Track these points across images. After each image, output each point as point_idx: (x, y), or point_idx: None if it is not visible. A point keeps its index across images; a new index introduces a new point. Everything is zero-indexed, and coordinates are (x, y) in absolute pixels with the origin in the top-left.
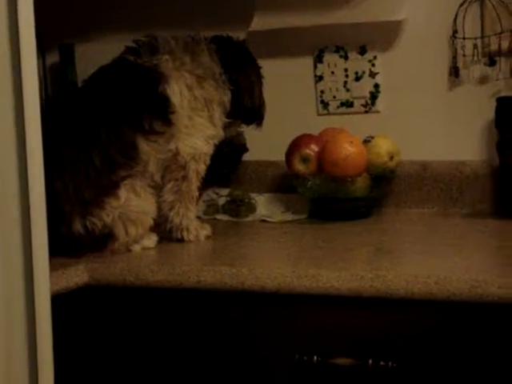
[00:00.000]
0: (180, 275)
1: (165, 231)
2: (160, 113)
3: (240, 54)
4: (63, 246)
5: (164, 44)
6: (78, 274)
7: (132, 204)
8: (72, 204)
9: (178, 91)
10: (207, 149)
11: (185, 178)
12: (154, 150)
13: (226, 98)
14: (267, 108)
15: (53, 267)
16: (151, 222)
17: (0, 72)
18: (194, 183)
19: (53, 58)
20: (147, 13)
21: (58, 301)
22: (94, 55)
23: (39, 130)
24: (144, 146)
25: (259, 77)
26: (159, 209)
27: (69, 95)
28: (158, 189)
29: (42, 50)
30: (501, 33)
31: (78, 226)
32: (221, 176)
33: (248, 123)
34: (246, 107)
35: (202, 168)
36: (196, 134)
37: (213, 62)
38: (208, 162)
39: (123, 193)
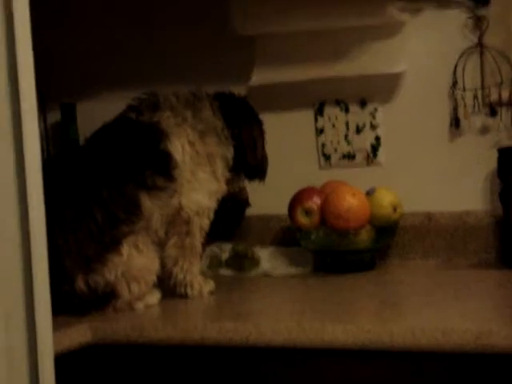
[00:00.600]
0: (184, 332)
1: (168, 287)
2: (162, 169)
3: (242, 109)
4: (65, 304)
5: (165, 101)
6: (81, 333)
7: (135, 261)
8: (74, 261)
9: (179, 147)
10: (211, 204)
11: (188, 233)
12: (157, 205)
13: (229, 153)
14: (269, 161)
15: (55, 326)
16: (154, 279)
17: (1, 131)
18: (198, 238)
19: (54, 117)
20: (148, 71)
21: (62, 360)
22: (96, 113)
23: (41, 187)
24: (147, 202)
25: (261, 132)
26: (163, 264)
27: (71, 153)
28: (161, 244)
29: (43, 108)
30: (501, 83)
31: (80, 284)
32: (224, 231)
33: (251, 178)
34: (249, 163)
35: (206, 223)
36: (199, 189)
37: (215, 118)
38: (212, 216)
39: (125, 249)
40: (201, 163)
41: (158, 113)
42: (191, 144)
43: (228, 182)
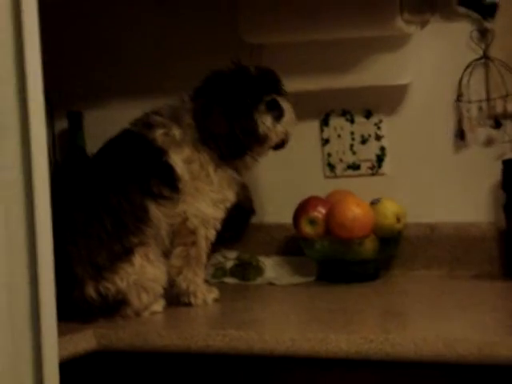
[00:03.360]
0: (188, 339)
1: (172, 295)
2: (167, 180)
3: (206, 94)
4: (74, 310)
5: (154, 119)
6: (86, 340)
7: (146, 271)
8: (85, 268)
9: (179, 162)
10: (216, 214)
11: (194, 243)
12: (164, 214)
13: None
14: (275, 171)
15: (61, 332)
16: (161, 290)
17: (9, 138)
18: (203, 248)
19: (61, 125)
20: (155, 79)
21: (66, 366)
22: (102, 122)
23: (48, 194)
24: (154, 209)
25: (222, 103)
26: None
27: (78, 162)
28: (167, 254)
29: (51, 116)
30: (506, 95)
31: (90, 290)
32: (229, 239)
33: (239, 148)
34: (223, 135)
35: (212, 233)
36: (202, 198)
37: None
38: (218, 226)
39: (137, 260)
40: (200, 175)
41: (152, 130)
42: (186, 161)
43: (239, 169)
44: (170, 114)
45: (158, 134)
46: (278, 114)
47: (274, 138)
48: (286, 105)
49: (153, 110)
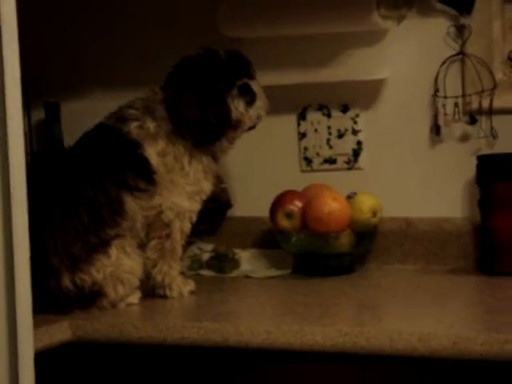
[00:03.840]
0: (163, 331)
1: (148, 287)
2: (142, 172)
3: (176, 81)
4: (50, 301)
5: (127, 113)
6: (61, 331)
7: (123, 263)
8: (61, 259)
9: (153, 155)
10: (191, 206)
11: (169, 236)
12: (139, 206)
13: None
14: (252, 164)
15: (36, 323)
16: (138, 282)
17: None
18: (179, 241)
19: (38, 116)
20: (133, 71)
21: (42, 357)
22: (80, 113)
23: (24, 185)
24: (130, 201)
25: (193, 89)
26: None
27: (55, 154)
28: (143, 247)
29: (27, 107)
30: (482, 91)
31: (66, 282)
32: (205, 232)
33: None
34: (194, 121)
35: (187, 226)
36: (177, 192)
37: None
38: (194, 219)
39: (114, 252)
40: (175, 168)
41: (126, 123)
42: (161, 154)
43: (215, 154)
44: (143, 107)
45: (133, 127)
46: (251, 99)
47: (248, 123)
48: (257, 88)
49: (126, 103)
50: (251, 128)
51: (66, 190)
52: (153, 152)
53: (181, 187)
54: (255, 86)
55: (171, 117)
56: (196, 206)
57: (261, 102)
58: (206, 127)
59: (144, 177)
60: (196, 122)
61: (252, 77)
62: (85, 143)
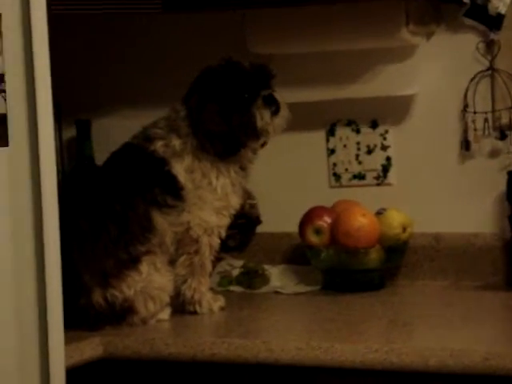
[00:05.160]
0: (194, 348)
1: (178, 304)
2: (170, 188)
3: (197, 93)
4: (81, 318)
5: (152, 132)
6: (92, 347)
7: (153, 280)
8: (92, 275)
9: (181, 171)
10: (219, 221)
11: (197, 251)
12: (168, 222)
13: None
14: (281, 180)
15: (68, 340)
16: (168, 298)
17: (19, 145)
18: (207, 257)
19: (70, 133)
20: (162, 88)
21: (73, 374)
22: (111, 130)
23: (56, 202)
24: (158, 217)
25: (216, 99)
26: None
27: (86, 172)
28: (173, 262)
29: (59, 124)
30: (511, 107)
31: (97, 298)
32: (235, 248)
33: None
34: (219, 131)
35: (216, 241)
36: (206, 207)
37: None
38: (223, 234)
39: (145, 268)
40: (203, 184)
41: (152, 142)
42: (188, 170)
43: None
44: (167, 125)
45: (158, 146)
46: (275, 109)
47: (272, 133)
48: (281, 99)
49: (150, 124)
50: (263, 144)
51: (95, 207)
52: (180, 168)
53: (209, 203)
54: (279, 96)
55: (194, 129)
56: (225, 221)
57: (285, 113)
58: (229, 138)
59: (172, 193)
60: (219, 132)
61: (273, 89)
62: (113, 162)
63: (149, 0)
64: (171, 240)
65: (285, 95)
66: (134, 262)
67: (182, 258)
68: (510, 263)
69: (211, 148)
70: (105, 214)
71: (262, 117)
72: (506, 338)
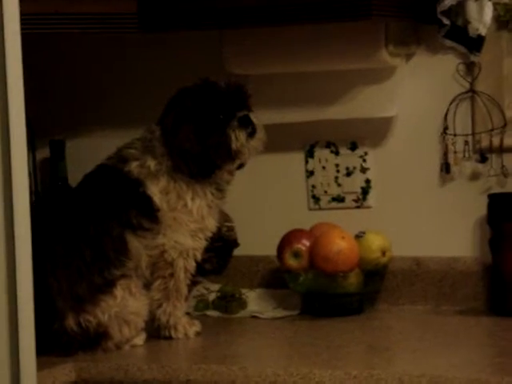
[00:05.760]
0: (169, 374)
1: (153, 329)
2: (145, 210)
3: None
4: (54, 343)
5: (127, 153)
6: (65, 373)
7: (128, 304)
8: (65, 300)
9: (156, 192)
10: (195, 244)
11: (172, 275)
12: (143, 245)
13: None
14: (259, 202)
15: (40, 365)
16: (143, 323)
17: None
18: (183, 281)
19: (43, 154)
20: (138, 109)
21: None
22: (85, 151)
23: (28, 224)
24: (133, 241)
25: (191, 120)
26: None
27: (59, 193)
28: (149, 286)
29: (32, 145)
30: (492, 129)
31: (71, 323)
32: (212, 271)
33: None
34: (193, 153)
35: (191, 265)
36: (181, 230)
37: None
38: (199, 257)
39: (119, 292)
40: (178, 205)
41: (126, 163)
42: (163, 191)
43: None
44: (142, 146)
45: (133, 167)
46: (252, 131)
47: (247, 155)
48: (257, 121)
49: (124, 144)
50: (240, 166)
51: (69, 230)
52: (155, 190)
53: (184, 225)
54: (254, 118)
55: (169, 149)
56: (200, 244)
57: (261, 135)
58: (204, 159)
59: (147, 215)
60: (194, 153)
61: (250, 109)
62: (87, 184)
63: (125, 20)
64: (146, 263)
65: (263, 116)
66: (108, 287)
67: (157, 282)
68: (490, 288)
69: (186, 169)
70: (79, 238)
71: (237, 138)
72: (487, 364)
